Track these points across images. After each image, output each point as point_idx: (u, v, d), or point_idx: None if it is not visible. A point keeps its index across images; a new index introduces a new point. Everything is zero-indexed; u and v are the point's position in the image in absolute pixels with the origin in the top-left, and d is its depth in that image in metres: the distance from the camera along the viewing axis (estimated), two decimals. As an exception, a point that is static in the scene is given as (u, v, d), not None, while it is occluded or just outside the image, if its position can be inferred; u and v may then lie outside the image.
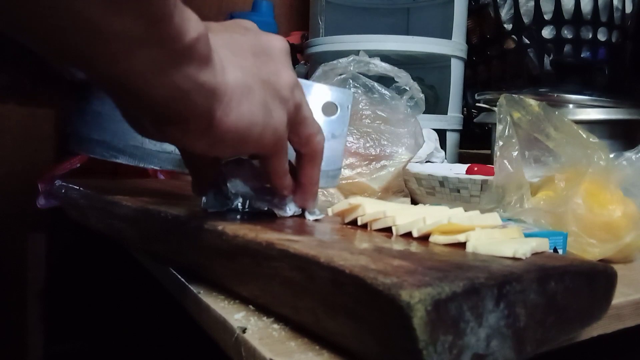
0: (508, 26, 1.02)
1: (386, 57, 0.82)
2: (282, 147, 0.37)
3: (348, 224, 0.41)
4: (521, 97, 0.54)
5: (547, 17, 0.98)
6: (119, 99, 0.30)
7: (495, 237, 0.35)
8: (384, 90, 0.67)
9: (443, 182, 0.62)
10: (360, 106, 0.66)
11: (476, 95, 0.92)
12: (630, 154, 0.50)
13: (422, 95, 0.70)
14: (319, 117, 0.45)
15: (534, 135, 0.53)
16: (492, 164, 0.55)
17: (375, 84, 0.67)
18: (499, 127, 0.54)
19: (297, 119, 0.38)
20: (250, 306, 0.35)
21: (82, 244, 0.99)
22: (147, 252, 0.48)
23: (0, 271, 1.03)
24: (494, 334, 0.26)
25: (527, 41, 1.00)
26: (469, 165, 0.72)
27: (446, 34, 0.96)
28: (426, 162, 0.78)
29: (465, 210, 0.40)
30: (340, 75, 0.67)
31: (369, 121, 0.65)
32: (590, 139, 0.51)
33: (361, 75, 0.67)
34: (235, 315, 0.34)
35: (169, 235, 0.42)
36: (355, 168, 0.63)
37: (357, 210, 0.40)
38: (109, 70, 0.26)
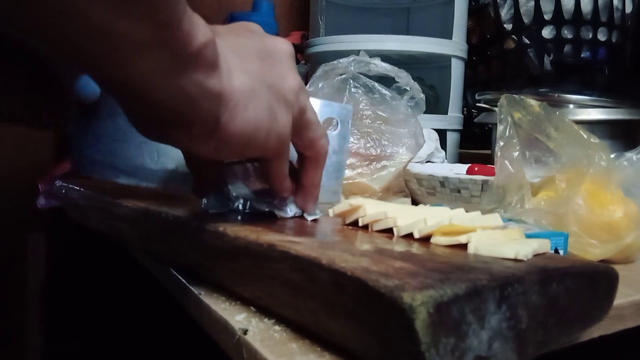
0: (508, 26, 1.02)
1: (386, 57, 0.82)
2: (285, 151, 0.37)
3: (349, 224, 0.41)
4: (522, 97, 0.54)
5: (547, 17, 0.98)
6: (125, 101, 0.30)
7: (497, 238, 0.35)
8: (384, 91, 0.67)
9: (444, 182, 0.62)
10: (361, 106, 0.66)
11: (476, 95, 0.92)
12: (631, 154, 0.50)
13: (422, 96, 0.70)
14: None
15: (535, 136, 0.53)
16: (493, 164, 0.55)
17: (376, 84, 0.67)
18: (500, 128, 0.54)
19: (302, 122, 0.38)
20: (252, 307, 0.35)
21: (82, 244, 0.99)
22: (148, 252, 0.48)
23: (0, 271, 1.03)
24: (496, 336, 0.26)
25: (527, 41, 1.00)
26: (469, 165, 0.72)
27: (446, 34, 0.96)
28: (427, 162, 0.78)
29: (466, 211, 0.40)
30: (341, 75, 0.67)
31: (370, 121, 0.65)
32: (591, 139, 0.51)
33: (362, 76, 0.67)
34: (237, 317, 0.34)
35: (170, 235, 0.42)
36: (355, 168, 0.63)
37: (358, 211, 0.40)
38: (117, 74, 0.26)
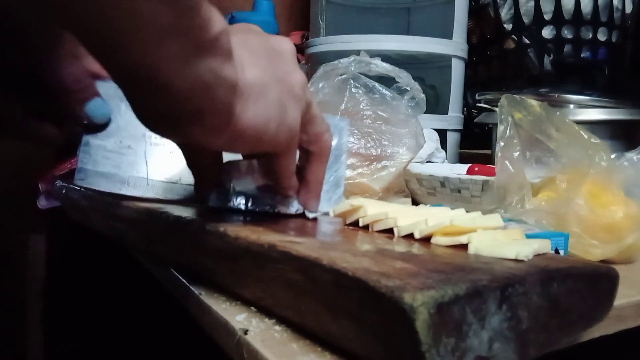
0: (508, 26, 1.02)
1: (387, 57, 0.82)
2: (294, 146, 0.38)
3: (350, 225, 0.41)
4: (522, 97, 0.54)
5: (547, 17, 0.98)
6: (140, 93, 0.30)
7: (497, 239, 0.35)
8: (384, 91, 0.67)
9: (444, 182, 0.62)
10: (361, 106, 0.66)
11: (477, 95, 0.92)
12: (632, 155, 0.50)
13: (423, 96, 0.70)
14: None
15: (535, 136, 0.53)
16: (493, 164, 0.55)
17: (376, 84, 0.67)
18: (500, 128, 0.54)
19: (307, 117, 0.38)
20: (252, 308, 0.35)
21: (82, 244, 0.99)
22: (149, 253, 0.48)
23: (0, 271, 1.03)
24: (496, 337, 0.26)
25: (527, 41, 1.00)
26: (469, 165, 0.72)
27: (447, 33, 0.96)
28: (427, 162, 0.78)
29: (467, 211, 0.40)
30: (341, 75, 0.67)
31: (370, 121, 0.65)
32: (592, 140, 0.51)
33: (362, 76, 0.67)
34: (237, 317, 0.34)
35: (171, 236, 0.42)
36: (356, 168, 0.63)
37: (358, 211, 0.40)
38: (137, 60, 0.27)
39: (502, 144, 0.53)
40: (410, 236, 0.36)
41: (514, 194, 0.52)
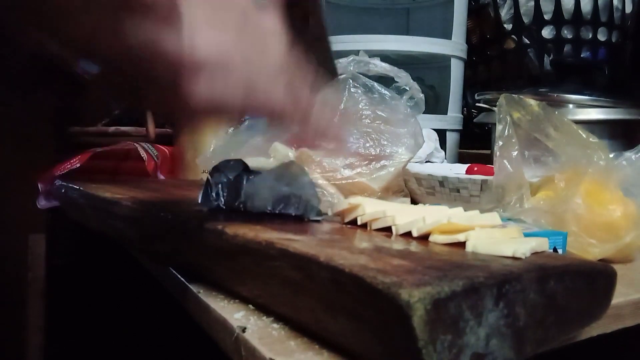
0: (508, 26, 1.02)
1: (386, 57, 0.82)
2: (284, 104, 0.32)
3: (348, 223, 0.41)
4: (521, 97, 0.54)
5: (547, 17, 0.98)
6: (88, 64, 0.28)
7: (495, 237, 0.35)
8: (383, 90, 0.67)
9: (443, 182, 0.62)
10: (360, 106, 0.66)
11: (476, 95, 0.93)
12: (630, 154, 0.50)
13: (422, 95, 0.70)
14: None
15: (534, 135, 0.53)
16: (492, 164, 0.55)
17: (375, 84, 0.67)
18: (499, 127, 0.54)
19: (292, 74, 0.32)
20: (250, 306, 0.35)
21: (82, 244, 0.99)
22: (147, 251, 0.48)
23: (0, 271, 1.03)
24: (493, 333, 0.26)
25: (527, 41, 1.00)
26: (468, 165, 0.72)
27: (446, 34, 0.96)
28: (426, 162, 0.78)
29: (465, 210, 0.40)
30: (340, 75, 0.67)
31: (369, 121, 0.65)
32: (590, 139, 0.51)
33: (361, 75, 0.67)
34: (235, 315, 0.34)
35: (169, 235, 0.42)
36: (355, 168, 0.63)
37: (356, 209, 0.40)
38: (72, 33, 0.24)
39: (500, 143, 0.53)
40: (408, 234, 0.36)
41: (513, 193, 0.52)
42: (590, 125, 0.76)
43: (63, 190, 0.62)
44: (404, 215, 0.37)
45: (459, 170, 0.72)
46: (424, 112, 0.71)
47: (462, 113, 1.04)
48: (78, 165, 0.75)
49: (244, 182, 0.42)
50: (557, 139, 0.52)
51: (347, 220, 0.41)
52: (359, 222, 0.40)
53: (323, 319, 0.29)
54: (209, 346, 0.37)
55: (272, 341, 0.30)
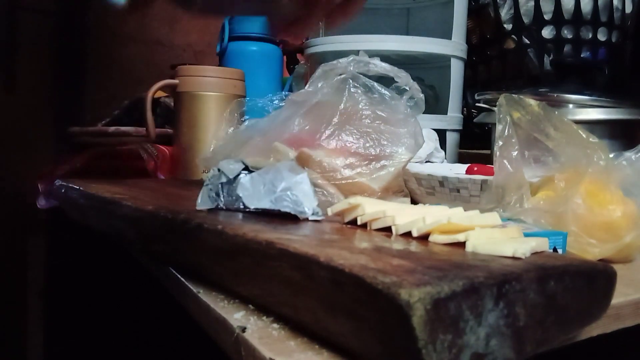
0: (508, 26, 1.02)
1: (386, 57, 0.82)
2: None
3: (348, 223, 0.41)
4: (521, 97, 0.54)
5: (547, 17, 0.98)
6: None
7: (495, 237, 0.35)
8: (383, 90, 0.67)
9: (443, 182, 0.62)
10: (360, 106, 0.66)
11: (476, 95, 0.92)
12: (630, 154, 0.50)
13: (422, 95, 0.70)
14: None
15: (534, 135, 0.53)
16: (492, 164, 0.55)
17: (375, 84, 0.67)
18: (499, 127, 0.54)
19: None
20: (250, 306, 0.35)
21: (82, 244, 0.99)
22: (147, 251, 0.48)
23: (0, 271, 1.03)
24: (493, 333, 0.26)
25: (527, 41, 1.00)
26: (468, 165, 0.72)
27: (446, 34, 0.96)
28: (426, 162, 0.78)
29: (465, 210, 0.40)
30: (340, 75, 0.67)
31: (369, 121, 0.65)
32: (590, 139, 0.51)
33: (361, 76, 0.67)
34: (235, 315, 0.34)
35: (169, 235, 0.42)
36: (354, 168, 0.63)
37: (356, 209, 0.40)
38: None
39: (500, 143, 0.53)
40: (408, 234, 0.36)
41: (513, 193, 0.52)
42: (590, 125, 0.76)
43: (63, 190, 0.62)
44: (404, 215, 0.37)
45: (459, 170, 0.72)
46: (424, 112, 0.71)
47: (462, 113, 1.04)
48: (78, 165, 0.75)
49: (244, 182, 0.42)
50: (557, 139, 0.52)
51: (347, 220, 0.41)
52: (358, 222, 0.40)
53: (323, 319, 0.29)
54: (209, 346, 0.37)
55: (272, 341, 0.30)
